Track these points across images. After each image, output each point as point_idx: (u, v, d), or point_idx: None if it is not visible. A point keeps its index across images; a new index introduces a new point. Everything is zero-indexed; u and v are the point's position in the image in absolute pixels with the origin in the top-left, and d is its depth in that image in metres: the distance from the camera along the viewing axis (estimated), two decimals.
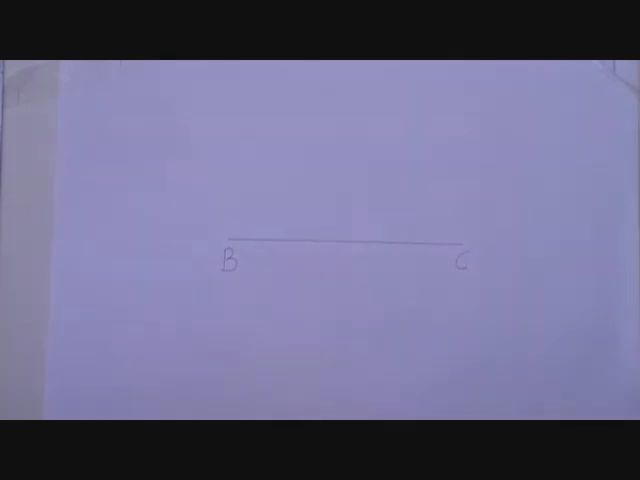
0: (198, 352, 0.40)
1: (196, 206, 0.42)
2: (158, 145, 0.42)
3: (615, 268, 0.41)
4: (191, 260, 0.41)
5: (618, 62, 0.41)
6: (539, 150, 0.41)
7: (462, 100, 0.42)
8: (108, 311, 0.40)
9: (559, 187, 0.41)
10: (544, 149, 0.41)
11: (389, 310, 0.40)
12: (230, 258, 0.41)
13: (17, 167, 0.42)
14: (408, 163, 0.41)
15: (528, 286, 0.41)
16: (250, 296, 0.39)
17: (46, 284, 0.41)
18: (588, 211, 0.41)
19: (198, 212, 0.42)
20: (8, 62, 0.42)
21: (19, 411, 0.41)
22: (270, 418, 0.37)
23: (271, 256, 0.41)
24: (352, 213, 0.41)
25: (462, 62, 0.41)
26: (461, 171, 0.41)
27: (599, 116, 0.41)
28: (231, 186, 0.42)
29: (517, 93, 0.42)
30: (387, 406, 0.40)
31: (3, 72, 0.43)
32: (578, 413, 0.40)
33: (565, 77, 0.41)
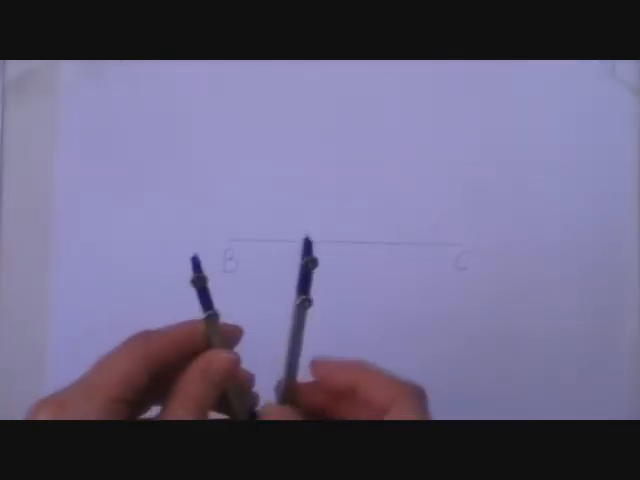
0: None
1: (196, 206, 0.42)
2: (158, 145, 0.42)
3: (615, 268, 0.41)
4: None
5: (618, 62, 0.41)
6: (539, 150, 0.41)
7: (462, 101, 0.42)
8: (108, 312, 0.40)
9: (559, 187, 0.41)
10: (544, 149, 0.41)
11: (389, 310, 0.40)
12: (231, 259, 0.41)
13: (17, 167, 0.42)
14: (408, 164, 0.41)
15: (528, 286, 0.41)
16: (251, 297, 0.39)
17: (46, 284, 0.41)
18: (588, 211, 0.41)
19: (198, 212, 0.42)
20: (8, 62, 0.42)
21: (19, 411, 0.41)
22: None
23: (272, 257, 0.41)
24: (352, 214, 0.41)
25: (462, 62, 0.41)
26: (462, 171, 0.41)
27: (599, 116, 0.41)
28: (232, 187, 0.42)
29: (517, 93, 0.42)
30: None
31: (3, 72, 0.43)
32: (578, 413, 0.40)
33: (565, 77, 0.41)
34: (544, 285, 0.40)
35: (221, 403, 0.36)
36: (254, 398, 0.36)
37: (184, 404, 0.33)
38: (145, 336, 0.33)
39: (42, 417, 0.31)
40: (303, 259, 0.32)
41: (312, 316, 0.38)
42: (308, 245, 0.32)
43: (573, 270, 0.41)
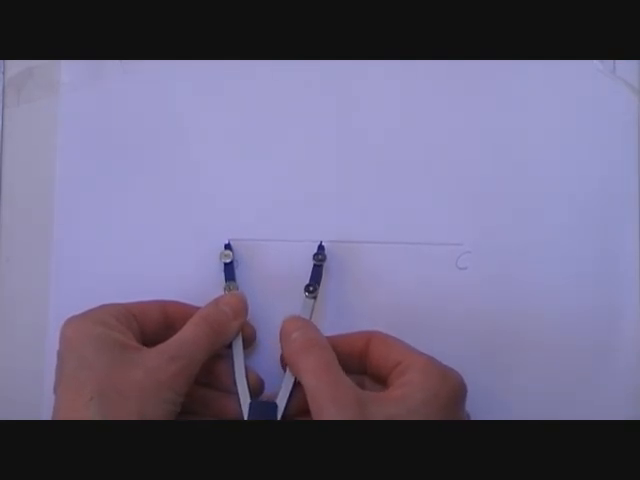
0: None
1: (196, 206, 0.42)
2: (158, 145, 0.42)
3: (615, 268, 0.41)
4: (191, 261, 0.41)
5: (618, 62, 0.41)
6: (539, 150, 0.41)
7: (462, 100, 0.42)
8: None
9: (559, 187, 0.41)
10: (544, 149, 0.41)
11: (389, 310, 0.40)
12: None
13: (17, 167, 0.42)
14: (408, 163, 0.41)
15: (528, 287, 0.41)
16: (251, 297, 0.39)
17: (46, 284, 0.41)
18: (588, 211, 0.41)
19: (198, 212, 0.42)
20: (8, 62, 0.42)
21: (19, 411, 0.41)
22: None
23: (272, 256, 0.41)
24: (352, 214, 0.41)
25: (463, 62, 0.41)
26: (462, 171, 0.41)
27: (599, 116, 0.41)
28: (231, 186, 0.42)
29: (517, 93, 0.42)
30: None
31: (3, 72, 0.43)
32: (578, 413, 0.40)
33: (565, 77, 0.41)
34: (544, 285, 0.40)
35: (210, 403, 0.37)
36: (258, 378, 0.38)
37: (196, 322, 0.36)
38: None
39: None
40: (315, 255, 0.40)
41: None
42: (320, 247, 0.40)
43: (573, 270, 0.41)
